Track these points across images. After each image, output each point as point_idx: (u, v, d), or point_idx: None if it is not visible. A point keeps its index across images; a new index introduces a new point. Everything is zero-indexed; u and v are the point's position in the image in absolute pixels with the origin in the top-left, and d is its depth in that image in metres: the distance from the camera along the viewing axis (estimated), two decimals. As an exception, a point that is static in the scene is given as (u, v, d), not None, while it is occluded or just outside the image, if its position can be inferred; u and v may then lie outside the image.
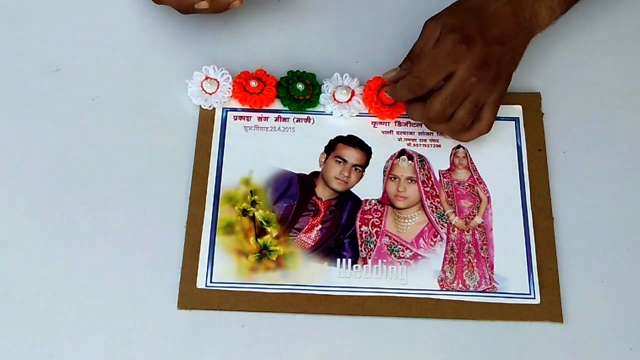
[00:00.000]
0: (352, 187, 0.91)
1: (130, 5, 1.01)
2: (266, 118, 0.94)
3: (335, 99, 0.94)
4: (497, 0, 0.87)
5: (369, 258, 0.87)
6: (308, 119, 0.94)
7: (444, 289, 0.86)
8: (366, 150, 0.92)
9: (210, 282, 0.85)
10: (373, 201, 0.90)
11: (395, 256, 0.87)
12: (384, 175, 0.91)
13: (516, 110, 0.95)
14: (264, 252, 0.87)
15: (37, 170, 0.91)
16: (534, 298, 0.85)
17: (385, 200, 0.90)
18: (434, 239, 0.88)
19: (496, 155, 0.93)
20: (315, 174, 0.91)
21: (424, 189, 0.91)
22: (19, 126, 0.93)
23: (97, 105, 0.95)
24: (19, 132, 0.93)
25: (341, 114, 0.94)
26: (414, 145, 0.93)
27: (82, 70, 0.97)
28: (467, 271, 0.87)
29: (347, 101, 0.94)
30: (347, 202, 0.90)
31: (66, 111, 0.94)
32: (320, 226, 0.89)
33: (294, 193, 0.90)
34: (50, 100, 0.95)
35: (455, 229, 0.89)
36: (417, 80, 0.86)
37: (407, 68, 0.89)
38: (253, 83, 0.94)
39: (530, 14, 0.88)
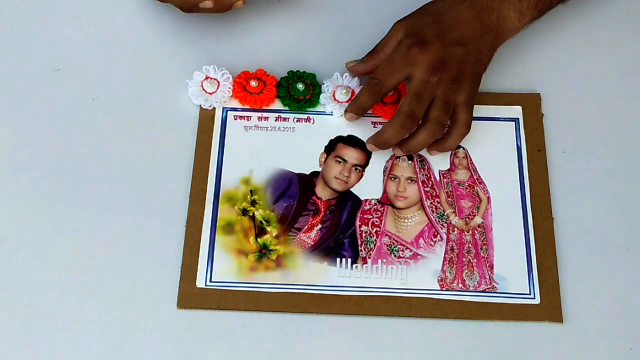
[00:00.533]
0: (352, 187, 0.91)
1: (131, 5, 1.01)
2: (266, 118, 0.94)
3: (335, 99, 0.94)
4: (461, 3, 0.89)
5: (369, 258, 0.87)
6: (308, 119, 0.94)
7: (443, 288, 0.86)
8: (366, 150, 0.92)
9: (210, 281, 0.85)
10: (373, 201, 0.90)
11: (395, 256, 0.87)
12: (384, 175, 0.91)
13: (516, 111, 0.95)
14: (263, 252, 0.87)
15: (37, 170, 0.91)
16: (534, 298, 0.85)
17: (385, 200, 0.90)
18: (434, 239, 0.88)
19: (496, 156, 0.93)
20: (315, 174, 0.91)
21: (424, 189, 0.91)
22: (19, 126, 0.93)
23: (97, 105, 0.95)
24: (19, 132, 0.93)
25: (341, 114, 0.94)
26: (414, 145, 0.93)
27: (82, 70, 0.97)
28: (467, 271, 0.87)
29: (347, 101, 0.94)
30: (347, 201, 0.90)
31: (66, 111, 0.94)
32: (320, 226, 0.88)
33: (293, 193, 0.90)
34: (50, 100, 0.95)
35: (455, 229, 0.89)
36: (375, 81, 0.88)
37: (366, 61, 0.92)
38: (253, 83, 0.94)
39: (497, 17, 0.89)
